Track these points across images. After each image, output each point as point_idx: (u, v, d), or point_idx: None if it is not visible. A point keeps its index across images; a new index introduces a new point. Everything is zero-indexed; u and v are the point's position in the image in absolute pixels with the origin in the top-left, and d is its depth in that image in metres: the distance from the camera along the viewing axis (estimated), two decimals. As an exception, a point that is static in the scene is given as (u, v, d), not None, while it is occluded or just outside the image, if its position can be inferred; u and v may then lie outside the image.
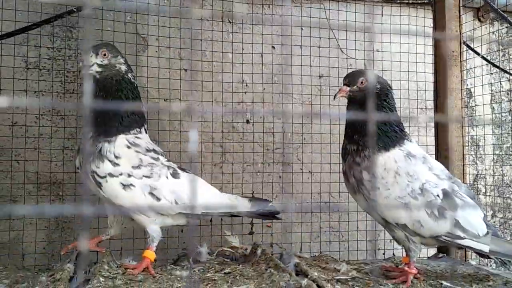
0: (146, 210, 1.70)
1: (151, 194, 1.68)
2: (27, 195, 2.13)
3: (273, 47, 2.58)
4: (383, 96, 1.78)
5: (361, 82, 1.73)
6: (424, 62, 2.64)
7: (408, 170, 1.74)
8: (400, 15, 2.71)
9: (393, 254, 2.30)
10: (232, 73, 2.48)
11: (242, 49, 2.53)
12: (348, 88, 1.73)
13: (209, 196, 1.83)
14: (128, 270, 1.67)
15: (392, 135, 1.74)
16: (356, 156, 1.74)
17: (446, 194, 1.73)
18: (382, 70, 2.60)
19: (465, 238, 1.75)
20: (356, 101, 1.74)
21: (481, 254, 1.84)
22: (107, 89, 1.70)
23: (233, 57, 2.51)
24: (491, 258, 1.85)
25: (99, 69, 1.69)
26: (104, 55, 1.70)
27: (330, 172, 2.45)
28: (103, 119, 1.68)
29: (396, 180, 1.72)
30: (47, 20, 2.25)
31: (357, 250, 2.44)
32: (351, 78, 1.75)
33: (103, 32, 2.28)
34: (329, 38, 2.61)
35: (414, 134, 2.63)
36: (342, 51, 2.68)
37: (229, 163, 2.43)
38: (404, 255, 1.85)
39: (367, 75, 1.78)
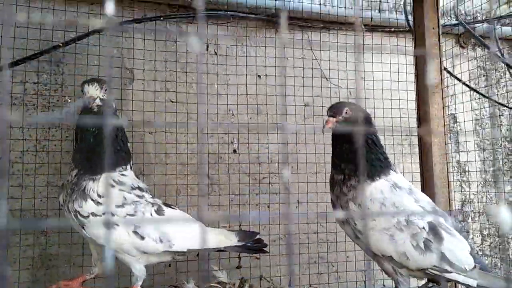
0: (130, 249, 1.68)
1: (135, 232, 1.67)
2: (12, 233, 2.10)
3: (258, 76, 2.62)
4: (367, 125, 1.81)
5: (346, 112, 1.76)
6: (406, 90, 2.69)
7: (394, 201, 1.74)
8: (381, 44, 2.77)
9: (384, 285, 2.28)
10: (217, 104, 2.50)
11: (228, 79, 2.56)
12: (335, 119, 1.75)
13: (194, 232, 1.81)
14: (113, 311, 1.64)
15: (377, 164, 1.75)
16: (343, 186, 1.74)
17: (432, 227, 1.72)
18: (365, 98, 2.64)
19: (452, 272, 1.74)
20: (335, 134, 1.77)
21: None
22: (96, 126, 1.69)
23: (219, 88, 2.53)
24: None
25: (100, 103, 1.70)
26: (105, 90, 1.71)
27: (317, 202, 2.45)
28: (90, 156, 1.68)
29: (382, 211, 1.72)
30: (33, 55, 2.27)
31: (347, 282, 2.42)
32: (335, 110, 1.78)
33: (88, 67, 2.30)
34: (312, 68, 2.65)
35: (399, 161, 2.66)
36: (327, 80, 2.73)
37: (216, 195, 2.42)
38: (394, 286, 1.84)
39: (350, 105, 1.82)
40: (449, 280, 1.82)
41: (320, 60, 2.66)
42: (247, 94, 2.55)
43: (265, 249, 1.95)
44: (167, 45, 2.50)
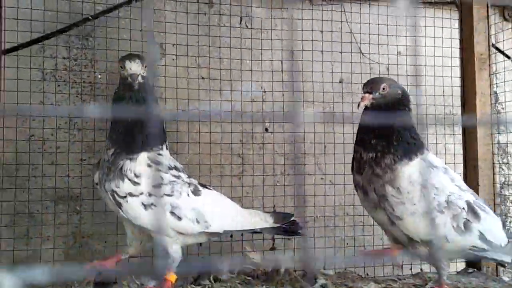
0: (167, 230, 1.65)
1: (172, 213, 1.63)
2: (45, 211, 2.10)
3: (292, 52, 2.50)
4: (406, 101, 1.71)
5: (383, 89, 1.66)
6: (451, 66, 2.53)
7: (433, 182, 1.66)
8: (424, 17, 2.60)
9: (421, 269, 2.21)
10: (250, 81, 2.40)
11: (261, 54, 2.45)
12: (371, 96, 1.66)
13: (230, 214, 1.77)
14: (150, 293, 1.63)
15: (412, 142, 1.66)
16: (376, 167, 1.63)
17: (470, 206, 1.68)
18: (406, 75, 2.50)
19: (489, 250, 1.71)
20: (375, 108, 1.66)
21: (500, 264, 1.83)
22: (140, 104, 1.63)
23: (252, 64, 2.43)
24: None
25: (141, 81, 1.63)
26: (145, 66, 1.64)
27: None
28: (127, 135, 1.63)
29: (423, 194, 1.62)
30: (62, 29, 2.21)
31: (383, 266, 2.36)
32: (373, 85, 1.68)
33: (119, 42, 2.23)
34: (351, 43, 2.52)
35: (441, 142, 2.53)
36: (363, 55, 2.59)
37: (248, 175, 2.36)
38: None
39: (388, 81, 1.72)
40: (484, 258, 1.78)
41: (360, 34, 2.51)
42: (282, 71, 2.44)
43: (299, 231, 1.89)
44: (198, 18, 2.39)
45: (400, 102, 1.69)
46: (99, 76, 2.27)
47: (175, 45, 2.34)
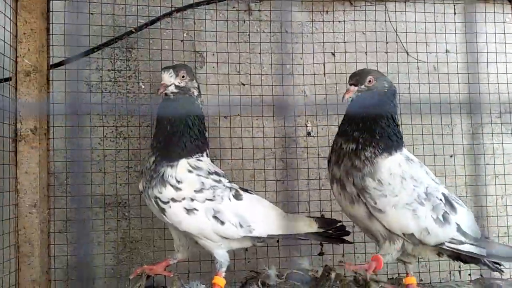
0: (210, 235, 1.65)
1: (215, 217, 1.64)
2: (95, 217, 2.15)
3: (333, 54, 2.45)
4: (391, 96, 1.69)
5: (369, 81, 1.65)
6: (505, 62, 2.39)
7: (411, 174, 1.64)
8: (474, 12, 2.47)
9: (481, 275, 2.07)
10: (292, 85, 2.37)
11: (301, 58, 2.42)
12: (356, 88, 1.64)
13: (273, 218, 1.74)
14: (200, 298, 1.62)
15: (394, 138, 1.64)
16: (355, 159, 1.60)
17: (446, 198, 1.67)
18: (457, 73, 2.38)
19: (466, 243, 1.67)
20: (361, 101, 1.64)
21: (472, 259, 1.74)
22: (178, 112, 1.67)
23: (293, 69, 2.40)
24: (485, 264, 1.76)
25: (175, 90, 1.67)
26: (183, 77, 1.67)
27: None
28: (167, 143, 1.66)
29: (403, 185, 1.61)
30: (107, 42, 2.28)
31: (439, 271, 2.23)
32: (358, 77, 1.66)
33: (162, 52, 2.27)
34: (396, 42, 2.43)
35: (498, 141, 2.39)
36: (408, 54, 2.50)
37: (293, 180, 2.32)
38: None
39: (374, 73, 1.71)
40: (460, 252, 1.70)
41: (406, 33, 2.42)
42: (324, 74, 2.39)
43: (346, 238, 1.85)
44: (238, 25, 2.40)
45: (386, 96, 1.67)
46: (143, 86, 2.32)
47: (215, 53, 2.35)
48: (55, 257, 1.97)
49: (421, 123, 2.34)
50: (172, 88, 1.66)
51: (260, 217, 1.70)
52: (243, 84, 2.39)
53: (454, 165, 2.35)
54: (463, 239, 1.65)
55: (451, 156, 2.39)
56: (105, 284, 2.08)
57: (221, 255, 1.67)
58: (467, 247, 1.67)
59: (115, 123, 2.25)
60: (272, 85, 2.35)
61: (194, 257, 1.94)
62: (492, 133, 2.39)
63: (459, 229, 1.65)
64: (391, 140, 1.63)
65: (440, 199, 1.65)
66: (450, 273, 2.25)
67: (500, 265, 1.77)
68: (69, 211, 2.10)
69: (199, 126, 1.71)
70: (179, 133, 1.66)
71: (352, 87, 1.65)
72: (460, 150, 2.36)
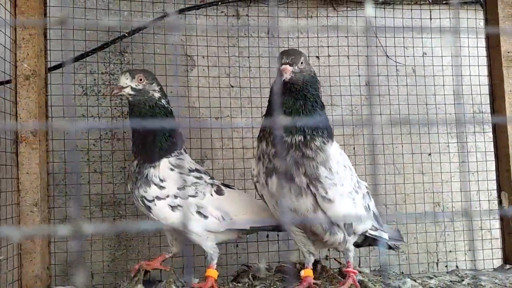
0: (196, 229, 1.75)
1: (199, 213, 1.74)
2: (92, 216, 2.23)
3: (317, 57, 2.58)
4: (316, 83, 1.61)
5: (301, 63, 1.53)
6: (478, 65, 2.55)
7: (347, 162, 1.67)
8: (449, 18, 2.63)
9: (457, 266, 2.22)
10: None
11: (288, 62, 2.53)
12: (291, 68, 1.50)
13: (255, 211, 1.85)
14: (195, 291, 1.72)
15: (330, 128, 1.62)
16: (306, 149, 1.52)
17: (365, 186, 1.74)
18: (433, 76, 2.53)
19: (379, 229, 1.75)
20: (291, 84, 1.52)
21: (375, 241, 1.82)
22: (141, 115, 1.76)
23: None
24: (390, 247, 1.87)
25: (132, 92, 1.75)
26: (140, 80, 1.76)
27: (385, 184, 2.41)
28: (145, 146, 1.76)
29: (345, 173, 1.61)
30: (101, 46, 2.36)
31: (418, 263, 2.38)
32: (294, 58, 1.52)
33: (154, 56, 2.36)
34: (376, 46, 2.57)
35: (470, 140, 2.54)
36: (388, 57, 2.64)
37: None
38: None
39: (304, 56, 1.59)
40: (370, 239, 1.79)
41: (385, 38, 2.56)
42: (309, 76, 2.51)
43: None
44: (227, 30, 2.51)
45: (314, 83, 1.59)
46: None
47: (205, 57, 2.46)
48: (55, 253, 2.05)
49: (399, 122, 2.48)
50: (128, 90, 1.74)
51: (242, 210, 1.81)
52: (232, 86, 2.50)
53: (431, 162, 2.50)
54: (377, 225, 1.73)
55: (429, 155, 2.54)
56: (103, 279, 2.17)
57: (210, 247, 1.77)
58: (379, 233, 1.76)
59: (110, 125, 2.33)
60: (260, 87, 2.46)
61: (189, 252, 2.04)
62: (465, 133, 2.54)
63: (374, 216, 1.74)
64: (330, 129, 1.61)
65: (366, 186, 1.74)
66: (428, 265, 2.40)
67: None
68: (67, 210, 2.18)
69: (170, 123, 1.82)
70: (152, 135, 1.76)
71: (289, 67, 1.49)
72: (437, 148, 2.52)
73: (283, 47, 2.54)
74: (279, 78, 1.53)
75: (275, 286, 1.83)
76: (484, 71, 2.50)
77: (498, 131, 2.43)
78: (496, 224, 2.38)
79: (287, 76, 1.49)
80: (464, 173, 2.49)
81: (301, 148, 1.52)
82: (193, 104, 2.42)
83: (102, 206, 2.25)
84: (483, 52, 2.51)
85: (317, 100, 1.60)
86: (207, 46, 2.44)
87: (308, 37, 2.53)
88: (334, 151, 1.59)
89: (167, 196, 1.72)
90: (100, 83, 2.38)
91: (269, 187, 1.60)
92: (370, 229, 1.73)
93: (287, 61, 1.50)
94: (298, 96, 1.55)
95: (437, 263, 2.40)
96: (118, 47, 2.41)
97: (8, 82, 1.98)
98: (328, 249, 2.34)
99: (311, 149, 1.53)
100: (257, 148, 1.66)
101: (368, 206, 1.72)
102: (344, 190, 1.59)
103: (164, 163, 1.76)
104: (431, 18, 2.61)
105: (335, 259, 2.14)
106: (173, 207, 1.72)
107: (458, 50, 2.53)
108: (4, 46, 1.90)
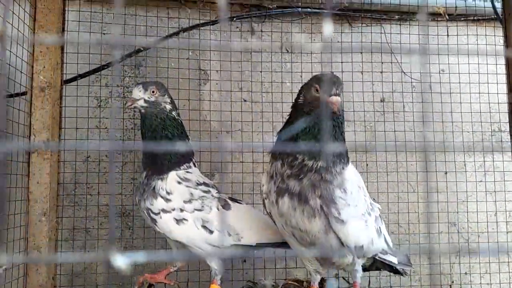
0: (201, 244, 1.73)
1: (204, 227, 1.72)
2: (100, 227, 2.24)
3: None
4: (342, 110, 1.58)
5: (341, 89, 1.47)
6: (496, 83, 2.49)
7: (361, 183, 1.63)
8: (467, 34, 2.59)
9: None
10: (290, 103, 2.47)
11: (301, 77, 2.53)
12: (340, 100, 1.44)
13: (262, 226, 1.81)
14: (195, 305, 1.70)
15: (347, 151, 1.59)
16: (326, 174, 1.49)
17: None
18: (450, 93, 2.48)
19: (388, 253, 1.70)
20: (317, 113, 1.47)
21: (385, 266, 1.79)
22: (153, 127, 1.77)
23: (292, 86, 2.51)
24: (395, 270, 1.80)
25: (144, 105, 1.76)
26: (153, 92, 1.77)
27: (398, 202, 2.34)
28: (154, 158, 1.76)
29: (359, 195, 1.58)
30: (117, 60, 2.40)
31: (430, 285, 2.29)
32: (342, 87, 1.46)
33: (168, 70, 2.39)
34: (391, 62, 2.54)
35: (488, 159, 2.46)
36: (405, 74, 2.60)
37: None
38: None
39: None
40: (384, 263, 1.75)
41: (400, 54, 2.53)
42: (322, 91, 2.49)
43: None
44: (241, 46, 2.52)
45: (342, 109, 1.56)
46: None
47: (219, 71, 2.47)
48: (61, 264, 2.07)
49: (414, 139, 2.43)
50: (141, 103, 1.75)
51: (248, 225, 1.77)
52: (245, 101, 2.50)
53: (447, 181, 2.43)
54: (387, 249, 1.69)
55: (445, 173, 2.47)
56: (108, 290, 2.17)
57: (215, 263, 1.75)
58: (389, 257, 1.71)
59: (122, 137, 2.36)
60: (272, 102, 2.45)
61: (193, 266, 2.02)
62: (483, 152, 2.46)
63: (385, 239, 1.69)
64: (347, 151, 1.61)
65: (378, 208, 1.70)
66: (441, 287, 2.31)
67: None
68: (76, 220, 2.20)
69: (179, 137, 1.79)
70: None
71: (339, 99, 1.44)
72: (453, 167, 2.44)
73: (297, 62, 2.53)
74: (316, 108, 1.48)
75: (280, 304, 1.78)
76: (504, 88, 2.44)
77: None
78: (515, 247, 2.28)
79: (335, 110, 1.43)
80: (479, 193, 2.40)
81: (321, 173, 1.50)
82: (205, 118, 2.43)
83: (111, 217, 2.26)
84: (502, 69, 2.45)
85: (343, 127, 1.59)
86: (220, 60, 2.45)
87: (321, 53, 2.52)
88: (350, 173, 1.58)
89: (173, 209, 1.71)
90: (116, 95, 2.42)
91: (279, 206, 1.56)
92: (380, 252, 1.69)
93: (337, 92, 1.44)
94: (332, 123, 1.52)
95: (451, 286, 2.30)
96: (134, 61, 2.46)
97: (23, 94, 2.03)
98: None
99: (331, 173, 1.51)
100: (270, 164, 1.62)
101: (380, 229, 1.67)
102: (357, 212, 1.56)
103: (172, 176, 1.76)
104: (448, 35, 2.56)
105: (343, 278, 2.08)
106: (178, 221, 1.70)
107: (474, 67, 2.48)
108: (22, 59, 1.96)
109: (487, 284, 2.27)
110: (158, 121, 1.77)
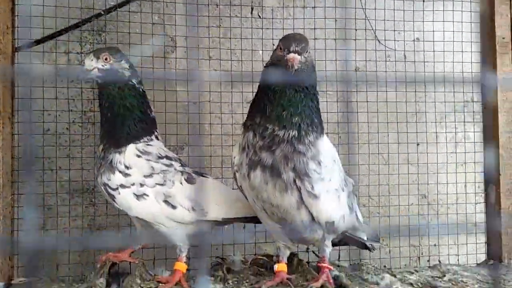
0: (163, 220, 1.66)
1: (166, 202, 1.64)
2: (61, 203, 2.14)
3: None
4: (315, 73, 1.52)
5: (307, 51, 1.42)
6: (471, 51, 2.44)
7: (336, 156, 1.58)
8: (443, 0, 2.50)
9: (439, 261, 2.16)
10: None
11: (273, 45, 2.41)
12: (299, 58, 1.38)
13: (229, 200, 1.75)
14: (161, 284, 1.64)
15: (322, 121, 1.53)
16: (299, 144, 1.43)
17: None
18: (424, 62, 2.42)
19: (358, 229, 1.68)
20: (295, 75, 1.40)
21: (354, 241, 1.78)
22: (110, 97, 1.65)
23: (264, 55, 2.40)
24: (366, 246, 1.79)
25: (99, 74, 1.64)
26: (106, 59, 1.64)
27: (369, 175, 2.32)
28: (112, 130, 1.66)
29: (333, 168, 1.52)
30: (75, 25, 2.23)
31: (400, 257, 2.31)
32: (303, 45, 1.39)
33: (130, 35, 2.24)
34: (365, 29, 2.45)
35: (461, 130, 2.45)
36: (379, 42, 2.52)
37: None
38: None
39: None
40: (354, 239, 1.73)
41: (375, 20, 2.44)
42: (294, 60, 2.39)
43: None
44: (209, 9, 2.38)
45: (314, 73, 1.50)
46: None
47: (186, 38, 2.33)
48: (18, 243, 1.96)
49: (386, 111, 2.38)
50: (95, 72, 1.63)
51: (214, 200, 1.71)
52: (215, 70, 2.38)
53: (418, 153, 2.41)
54: (357, 225, 1.66)
55: (417, 145, 2.44)
56: (69, 270, 2.09)
57: (179, 239, 1.68)
58: (359, 234, 1.69)
59: (82, 108, 2.22)
60: (241, 71, 2.34)
61: (160, 243, 1.96)
62: (455, 122, 2.44)
63: (356, 215, 1.67)
64: (322, 122, 1.54)
65: (352, 183, 1.65)
66: (410, 259, 2.33)
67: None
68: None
69: (140, 107, 1.68)
70: (120, 118, 1.65)
71: (297, 56, 1.37)
72: (425, 138, 2.42)
73: (268, 28, 2.41)
74: (281, 66, 1.40)
75: (248, 280, 1.75)
76: (478, 57, 2.40)
77: (487, 122, 2.34)
78: (482, 218, 2.31)
79: (295, 67, 1.37)
80: (449, 164, 2.40)
81: (293, 143, 1.44)
82: (173, 88, 2.31)
83: (72, 193, 2.15)
84: (478, 37, 2.40)
85: (316, 92, 1.52)
86: (186, 26, 2.31)
87: (293, 19, 2.41)
88: (325, 144, 1.52)
89: (132, 184, 1.62)
90: (76, 63, 2.26)
91: (251, 180, 1.51)
92: (350, 229, 1.66)
93: (296, 49, 1.38)
94: (299, 88, 1.44)
95: (419, 258, 2.33)
96: (94, 26, 2.28)
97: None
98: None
99: (304, 144, 1.45)
100: (242, 136, 1.56)
101: (352, 205, 1.64)
102: (331, 186, 1.51)
103: (131, 149, 1.66)
104: (424, 1, 2.47)
105: (313, 251, 2.06)
106: (138, 196, 1.62)
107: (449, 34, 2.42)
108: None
109: (455, 255, 2.30)
110: (116, 91, 1.65)
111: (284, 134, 1.44)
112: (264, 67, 1.59)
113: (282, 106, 1.44)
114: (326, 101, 2.35)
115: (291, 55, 1.37)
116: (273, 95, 1.45)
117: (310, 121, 1.47)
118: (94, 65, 1.63)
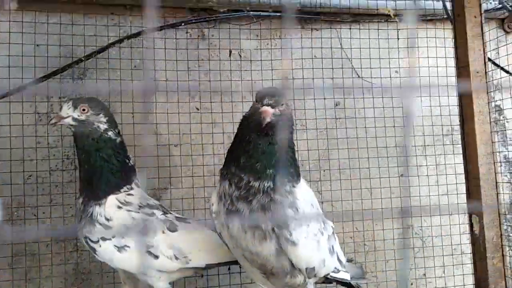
0: (145, 269, 1.64)
1: (149, 252, 1.63)
2: (45, 249, 2.11)
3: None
4: (292, 125, 1.56)
5: (282, 104, 1.41)
6: (447, 85, 2.49)
7: (313, 201, 1.57)
8: (417, 37, 2.57)
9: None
10: (242, 112, 2.40)
11: (252, 86, 2.45)
12: (273, 111, 1.38)
13: (211, 246, 1.73)
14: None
15: (298, 167, 1.54)
16: (275, 194, 1.43)
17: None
18: (401, 96, 2.46)
19: (341, 271, 1.65)
20: (268, 128, 1.40)
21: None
22: (85, 148, 1.64)
23: (244, 94, 2.43)
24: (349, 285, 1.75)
25: (73, 123, 1.62)
26: (83, 110, 1.62)
27: (352, 210, 2.32)
28: (90, 182, 1.64)
29: (312, 212, 1.52)
30: (54, 72, 2.24)
31: (386, 281, 2.29)
32: (278, 98, 1.39)
33: (109, 82, 2.26)
34: (341, 68, 2.50)
35: (441, 162, 2.47)
36: (359, 77, 2.56)
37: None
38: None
39: (285, 97, 1.45)
40: (338, 282, 1.71)
41: (351, 58, 2.49)
42: (273, 100, 2.43)
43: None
44: (188, 52, 2.41)
45: (291, 125, 1.53)
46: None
47: (166, 81, 2.36)
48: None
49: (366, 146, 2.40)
50: (69, 120, 1.61)
51: (197, 247, 1.69)
52: (197, 109, 2.39)
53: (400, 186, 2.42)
54: (340, 267, 1.64)
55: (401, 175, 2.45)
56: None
57: (162, 287, 1.66)
58: (341, 275, 1.66)
59: (62, 153, 2.22)
60: (222, 112, 2.37)
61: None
62: (435, 155, 2.47)
63: (338, 258, 1.65)
64: (297, 168, 1.54)
65: (332, 226, 1.64)
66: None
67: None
68: (17, 244, 2.06)
69: (117, 157, 1.66)
70: (98, 169, 1.63)
71: (270, 109, 1.38)
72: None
73: (247, 70, 2.45)
74: (256, 118, 1.41)
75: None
76: (454, 91, 2.44)
77: (468, 153, 2.36)
78: (468, 249, 2.30)
79: (267, 119, 1.38)
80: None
81: (269, 194, 1.43)
82: (153, 132, 2.31)
83: (54, 239, 2.12)
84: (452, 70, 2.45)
85: (291, 144, 1.54)
86: (165, 70, 2.33)
87: (271, 60, 2.45)
88: (302, 191, 1.52)
89: (113, 236, 1.60)
90: (56, 110, 2.26)
91: (230, 229, 1.50)
92: (332, 271, 1.63)
93: (269, 102, 1.39)
94: (273, 140, 1.43)
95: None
96: (74, 73, 2.31)
97: None
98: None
99: (280, 194, 1.45)
100: (219, 184, 1.55)
101: (333, 247, 1.62)
102: (309, 232, 1.51)
103: (111, 201, 1.64)
104: (398, 38, 2.54)
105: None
106: (119, 248, 1.60)
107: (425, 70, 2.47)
108: None
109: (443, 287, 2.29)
110: (90, 142, 1.63)
111: (259, 185, 1.43)
112: (243, 117, 1.60)
113: (256, 158, 1.43)
114: (307, 139, 2.38)
115: (264, 108, 1.39)
116: (247, 146, 1.45)
117: (286, 172, 1.47)
118: (70, 113, 1.62)
